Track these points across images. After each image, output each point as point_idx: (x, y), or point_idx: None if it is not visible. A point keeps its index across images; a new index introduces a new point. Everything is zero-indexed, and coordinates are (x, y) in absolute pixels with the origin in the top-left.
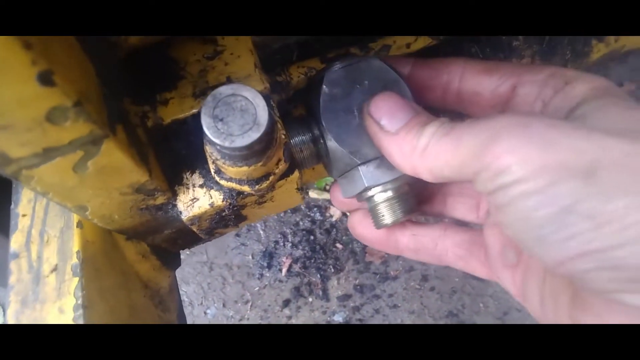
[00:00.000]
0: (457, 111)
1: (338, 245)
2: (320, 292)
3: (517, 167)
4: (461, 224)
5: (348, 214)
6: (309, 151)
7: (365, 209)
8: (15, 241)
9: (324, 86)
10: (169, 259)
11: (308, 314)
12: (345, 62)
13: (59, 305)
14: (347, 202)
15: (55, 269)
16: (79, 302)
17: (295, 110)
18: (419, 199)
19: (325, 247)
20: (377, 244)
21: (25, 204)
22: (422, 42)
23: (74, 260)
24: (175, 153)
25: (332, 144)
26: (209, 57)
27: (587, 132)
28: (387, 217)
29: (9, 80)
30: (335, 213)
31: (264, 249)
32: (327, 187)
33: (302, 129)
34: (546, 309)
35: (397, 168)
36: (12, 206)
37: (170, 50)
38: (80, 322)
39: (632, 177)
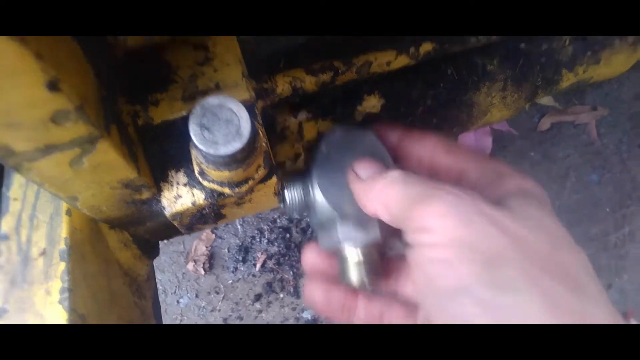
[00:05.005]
0: None
1: None
2: (292, 289)
3: (436, 230)
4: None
5: None
6: (299, 199)
7: (322, 276)
8: (6, 223)
9: (322, 145)
10: (149, 249)
11: (278, 310)
12: (344, 129)
13: (46, 287)
14: (312, 264)
15: (43, 253)
16: (65, 285)
17: (280, 116)
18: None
19: (300, 245)
20: (330, 313)
21: (17, 189)
22: (401, 61)
23: (62, 245)
24: (162, 152)
25: (318, 195)
26: (200, 63)
27: (505, 222)
28: (355, 278)
29: (20, 85)
30: None
31: (240, 244)
32: None
33: (297, 179)
34: None
35: (361, 206)
36: (4, 189)
37: (164, 54)
38: (66, 304)
39: (526, 275)
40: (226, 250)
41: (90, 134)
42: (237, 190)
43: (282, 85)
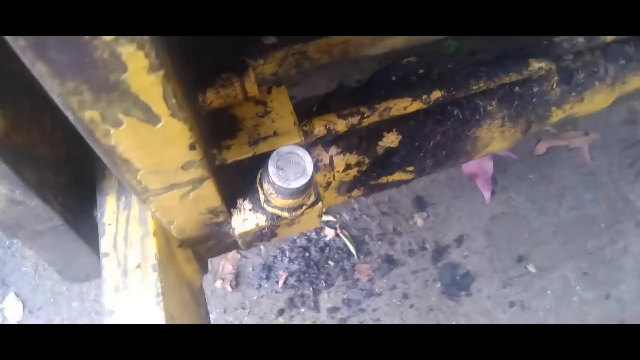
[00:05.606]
0: None
1: (330, 262)
2: (312, 304)
3: None
4: None
5: (341, 235)
6: None
7: None
8: (104, 244)
9: None
10: (203, 264)
11: (300, 323)
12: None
13: (144, 293)
14: None
15: (139, 266)
16: (159, 291)
17: (314, 150)
18: None
19: (318, 263)
20: None
21: (110, 216)
22: (416, 105)
23: (154, 260)
24: (232, 184)
25: None
26: (260, 115)
27: None
28: None
29: (174, 147)
30: (329, 233)
31: (264, 262)
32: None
33: None
34: None
35: None
36: (99, 216)
37: (233, 109)
38: (161, 306)
39: None
40: (251, 268)
41: (202, 175)
42: (293, 213)
43: (319, 128)
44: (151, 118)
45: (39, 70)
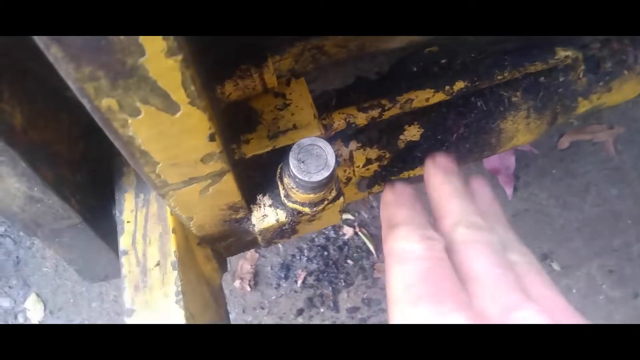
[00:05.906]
0: None
1: (349, 261)
2: (332, 304)
3: None
4: None
5: (360, 233)
6: None
7: None
8: (123, 242)
9: None
10: (222, 263)
11: (319, 323)
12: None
13: (164, 291)
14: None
15: (158, 264)
16: (179, 289)
17: (333, 145)
18: None
19: (337, 262)
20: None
21: (129, 213)
22: (438, 97)
23: (173, 258)
24: (251, 179)
25: None
26: (280, 108)
27: None
28: None
29: (193, 138)
30: (347, 232)
31: (282, 262)
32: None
33: None
34: None
35: None
36: (117, 214)
37: (252, 102)
38: (181, 304)
39: None
40: (269, 268)
41: (222, 169)
42: (314, 209)
43: (338, 121)
44: (170, 106)
45: (54, 54)
